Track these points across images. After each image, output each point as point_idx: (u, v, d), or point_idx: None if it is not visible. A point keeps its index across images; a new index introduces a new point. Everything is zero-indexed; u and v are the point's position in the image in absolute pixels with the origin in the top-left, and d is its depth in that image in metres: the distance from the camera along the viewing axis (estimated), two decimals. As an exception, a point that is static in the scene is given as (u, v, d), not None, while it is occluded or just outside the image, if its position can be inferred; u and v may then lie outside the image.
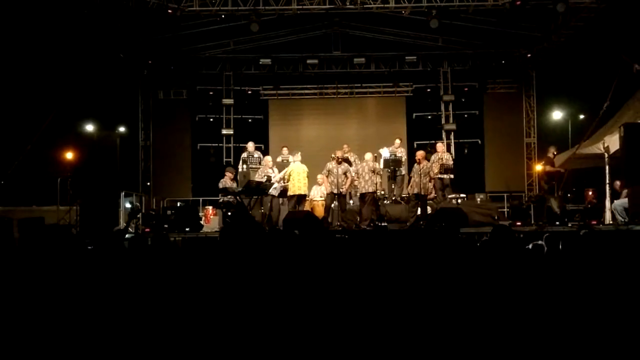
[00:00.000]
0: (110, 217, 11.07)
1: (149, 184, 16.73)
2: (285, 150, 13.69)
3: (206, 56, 16.92)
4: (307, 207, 13.31)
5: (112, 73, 15.13)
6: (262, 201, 12.36)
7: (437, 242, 3.16)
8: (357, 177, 12.20)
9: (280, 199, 12.44)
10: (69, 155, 16.44)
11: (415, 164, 12.13)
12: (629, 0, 12.38)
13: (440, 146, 13.79)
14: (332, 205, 12.35)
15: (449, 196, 12.80)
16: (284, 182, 12.20)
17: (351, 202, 12.85)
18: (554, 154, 12.41)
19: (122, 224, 12.00)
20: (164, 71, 16.61)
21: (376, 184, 12.22)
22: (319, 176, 13.09)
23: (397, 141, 13.78)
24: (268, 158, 13.10)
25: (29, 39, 12.46)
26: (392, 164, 12.76)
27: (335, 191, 12.00)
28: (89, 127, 17.38)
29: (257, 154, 13.69)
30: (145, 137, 16.95)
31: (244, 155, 13.65)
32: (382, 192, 13.13)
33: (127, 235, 9.96)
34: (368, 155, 12.24)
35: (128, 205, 13.70)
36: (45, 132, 12.77)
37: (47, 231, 7.88)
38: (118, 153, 11.60)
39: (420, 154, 12.31)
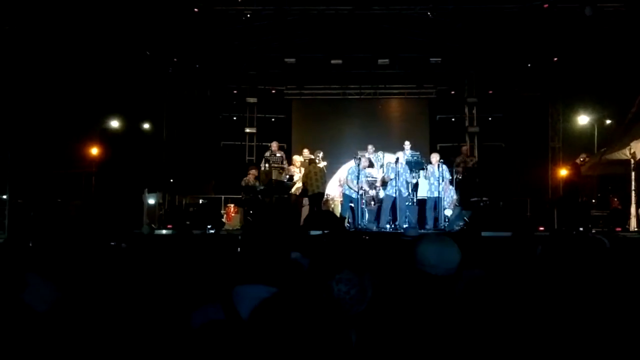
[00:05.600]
0: (134, 214, 11.20)
1: (172, 180, 16.83)
2: (306, 152, 13.72)
3: (231, 55, 16.98)
4: (329, 206, 13.39)
5: (138, 70, 15.27)
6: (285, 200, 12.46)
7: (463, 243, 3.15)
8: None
9: (303, 199, 12.52)
10: (94, 151, 16.60)
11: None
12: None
13: (466, 149, 13.76)
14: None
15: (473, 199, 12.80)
16: (302, 182, 12.31)
17: (372, 203, 12.85)
18: (583, 160, 12.30)
19: (146, 221, 12.13)
20: (189, 69, 16.72)
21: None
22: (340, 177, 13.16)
23: (407, 143, 13.61)
24: (297, 157, 13.17)
25: (56, 36, 12.63)
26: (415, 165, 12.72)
27: (354, 195, 12.11)
28: (114, 123, 17.56)
29: (279, 153, 13.75)
30: (169, 134, 17.04)
31: (267, 154, 13.71)
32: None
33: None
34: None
35: (151, 201, 13.83)
36: (70, 127, 12.96)
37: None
38: (142, 150, 11.72)
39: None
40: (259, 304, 1.83)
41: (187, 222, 12.00)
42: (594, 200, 12.51)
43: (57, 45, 12.67)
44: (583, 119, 15.39)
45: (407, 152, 12.97)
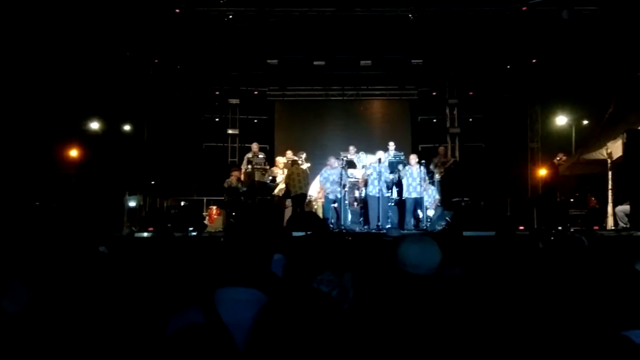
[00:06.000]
0: (115, 217, 11.12)
1: (153, 182, 16.68)
2: (289, 153, 13.73)
3: (213, 56, 16.88)
4: (312, 207, 13.42)
5: (119, 71, 15.14)
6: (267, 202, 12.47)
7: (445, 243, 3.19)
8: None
9: (286, 200, 12.54)
10: (73, 153, 16.36)
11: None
12: (631, 7, 12.39)
13: (443, 149, 13.86)
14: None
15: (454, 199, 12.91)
16: (285, 184, 12.33)
17: (355, 203, 12.90)
18: (560, 159, 12.47)
19: (127, 223, 12.05)
20: (170, 70, 16.62)
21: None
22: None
23: (392, 144, 13.66)
24: (280, 159, 13.18)
25: (34, 36, 12.48)
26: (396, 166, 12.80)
27: (330, 196, 12.21)
28: (94, 125, 17.36)
29: (261, 155, 13.76)
30: (150, 135, 16.88)
31: (249, 155, 13.71)
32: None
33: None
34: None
35: (132, 204, 13.73)
36: (48, 129, 12.80)
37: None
38: (122, 152, 11.63)
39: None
40: (257, 315, 1.82)
41: (169, 225, 11.94)
42: (572, 200, 12.62)
43: (34, 45, 12.52)
44: (561, 120, 15.56)
45: (391, 153, 13.05)
